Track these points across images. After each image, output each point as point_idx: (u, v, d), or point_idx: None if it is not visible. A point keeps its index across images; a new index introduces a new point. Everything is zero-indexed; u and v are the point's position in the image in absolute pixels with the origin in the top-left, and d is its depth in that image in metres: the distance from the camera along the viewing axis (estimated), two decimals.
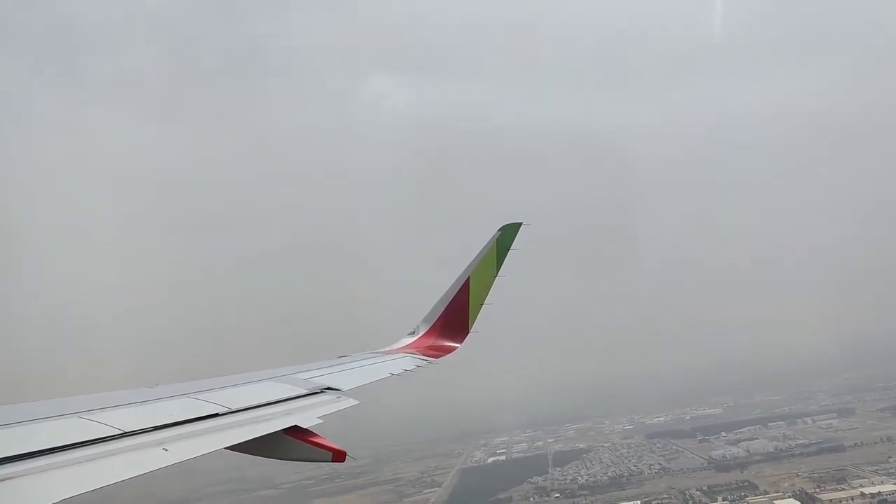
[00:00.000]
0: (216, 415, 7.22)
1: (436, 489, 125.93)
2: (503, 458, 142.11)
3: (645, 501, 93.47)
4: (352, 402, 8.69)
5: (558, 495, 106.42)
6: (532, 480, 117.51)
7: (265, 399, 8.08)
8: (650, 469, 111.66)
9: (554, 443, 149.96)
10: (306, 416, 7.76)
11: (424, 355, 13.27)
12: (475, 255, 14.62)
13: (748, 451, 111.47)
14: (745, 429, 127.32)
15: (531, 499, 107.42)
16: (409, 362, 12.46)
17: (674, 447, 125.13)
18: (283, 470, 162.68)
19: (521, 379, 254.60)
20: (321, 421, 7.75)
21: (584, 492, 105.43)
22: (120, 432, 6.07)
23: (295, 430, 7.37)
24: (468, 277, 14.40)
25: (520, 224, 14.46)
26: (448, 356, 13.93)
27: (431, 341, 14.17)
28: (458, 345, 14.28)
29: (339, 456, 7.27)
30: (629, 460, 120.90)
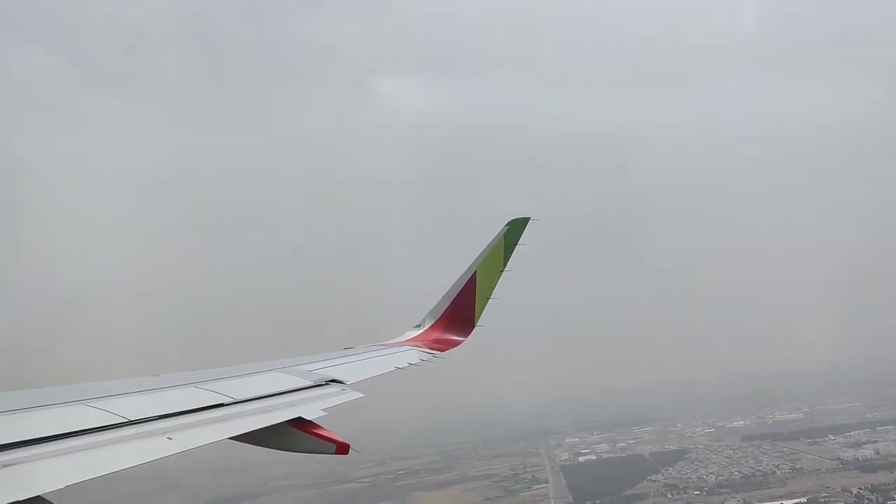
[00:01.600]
0: (221, 405, 7.26)
1: (544, 484, 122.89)
2: (593, 457, 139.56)
3: (811, 499, 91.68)
4: (356, 394, 8.68)
5: (698, 492, 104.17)
6: (652, 479, 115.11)
7: (270, 390, 8.11)
8: (779, 470, 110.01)
9: (636, 444, 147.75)
10: (310, 408, 7.76)
11: (430, 348, 13.30)
12: (482, 249, 14.56)
13: (878, 452, 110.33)
14: (854, 432, 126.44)
15: (668, 495, 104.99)
16: (414, 355, 12.44)
17: (784, 449, 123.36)
18: (353, 465, 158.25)
19: (541, 380, 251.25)
20: (325, 413, 7.70)
21: (724, 490, 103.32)
22: (125, 420, 6.11)
23: (299, 422, 7.35)
24: (475, 271, 14.40)
25: (527, 219, 14.39)
26: (454, 350, 13.95)
27: (437, 335, 14.20)
28: (463, 339, 14.29)
29: (342, 448, 7.22)
30: (745, 461, 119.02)
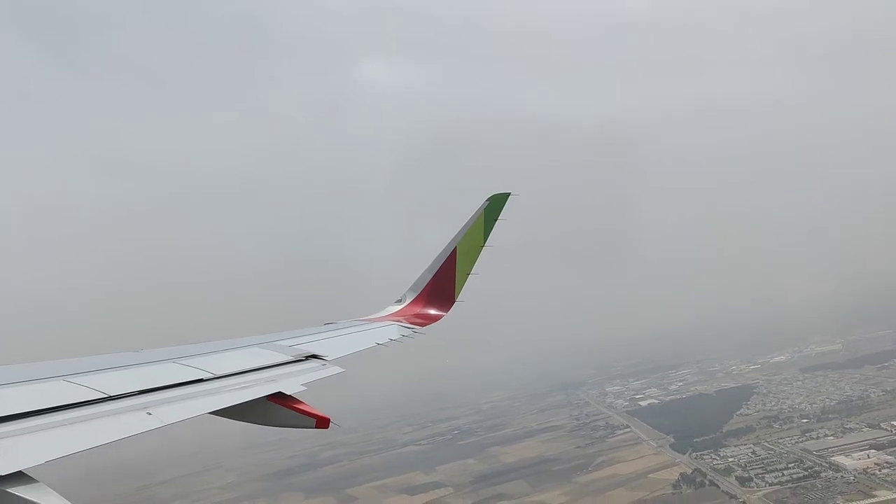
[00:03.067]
0: (200, 380, 7.21)
1: (626, 429, 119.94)
2: (654, 401, 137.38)
3: None
4: (337, 369, 8.65)
5: (807, 420, 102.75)
6: (741, 413, 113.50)
7: (250, 365, 8.05)
8: (872, 393, 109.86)
9: (688, 385, 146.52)
10: (290, 383, 7.70)
11: (411, 323, 13.29)
12: (463, 225, 14.45)
13: None
14: None
15: (774, 425, 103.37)
16: (395, 331, 12.44)
17: (856, 376, 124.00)
18: (396, 431, 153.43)
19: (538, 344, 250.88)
20: (305, 388, 7.68)
21: (833, 415, 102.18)
22: (104, 396, 6.08)
23: (279, 397, 7.32)
24: (455, 247, 14.31)
25: (508, 194, 14.27)
26: (435, 324, 13.91)
27: (418, 309, 14.22)
28: (444, 313, 14.27)
29: (322, 423, 7.20)
30: (825, 389, 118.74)
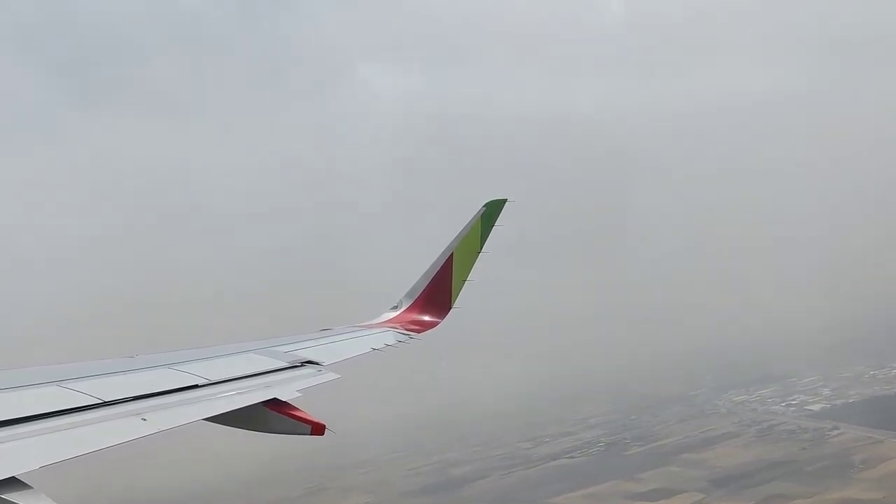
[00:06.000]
0: (196, 386, 7.18)
1: (839, 430, 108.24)
2: (826, 405, 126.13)
3: None
4: (332, 375, 8.58)
5: None
6: None
7: (245, 371, 7.99)
8: None
9: (840, 391, 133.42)
10: (286, 389, 7.64)
11: (407, 330, 13.22)
12: (459, 231, 14.25)
13: None
14: None
15: None
16: (391, 337, 12.39)
17: None
18: (515, 447, 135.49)
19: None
20: (300, 394, 7.56)
21: None
22: (99, 401, 6.03)
23: (274, 403, 7.25)
24: (452, 253, 14.16)
25: (504, 200, 14.17)
26: (430, 332, 13.77)
27: (414, 316, 14.08)
28: (439, 320, 14.13)
29: (318, 429, 7.12)
30: None
